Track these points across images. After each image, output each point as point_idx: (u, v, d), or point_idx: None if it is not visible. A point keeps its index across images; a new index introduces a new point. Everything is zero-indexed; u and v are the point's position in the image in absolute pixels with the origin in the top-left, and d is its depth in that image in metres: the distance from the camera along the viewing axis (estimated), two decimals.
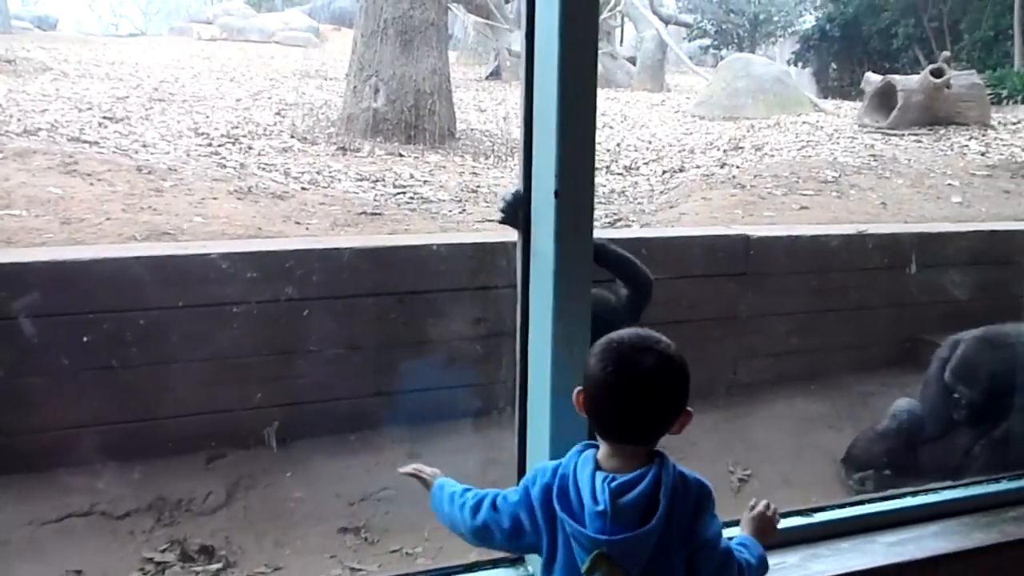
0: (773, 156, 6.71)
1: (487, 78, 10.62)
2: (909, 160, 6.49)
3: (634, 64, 11.86)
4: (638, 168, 6.52)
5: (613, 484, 1.47)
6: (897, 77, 8.17)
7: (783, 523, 2.27)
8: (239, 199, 4.32)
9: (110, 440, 2.93)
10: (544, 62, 1.83)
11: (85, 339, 2.82)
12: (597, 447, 1.56)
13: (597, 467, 1.52)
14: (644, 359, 1.49)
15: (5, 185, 4.01)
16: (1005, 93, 8.99)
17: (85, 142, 5.29)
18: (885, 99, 7.98)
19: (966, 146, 7.28)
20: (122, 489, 2.93)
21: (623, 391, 1.49)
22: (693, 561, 1.54)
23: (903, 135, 7.53)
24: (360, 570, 2.78)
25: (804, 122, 8.41)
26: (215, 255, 2.97)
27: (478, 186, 5.44)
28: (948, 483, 2.65)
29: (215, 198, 4.27)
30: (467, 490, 1.69)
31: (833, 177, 5.78)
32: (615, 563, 1.47)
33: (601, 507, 1.46)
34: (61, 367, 2.89)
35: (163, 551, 2.78)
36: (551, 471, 1.56)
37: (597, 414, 1.53)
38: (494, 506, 1.62)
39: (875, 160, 6.37)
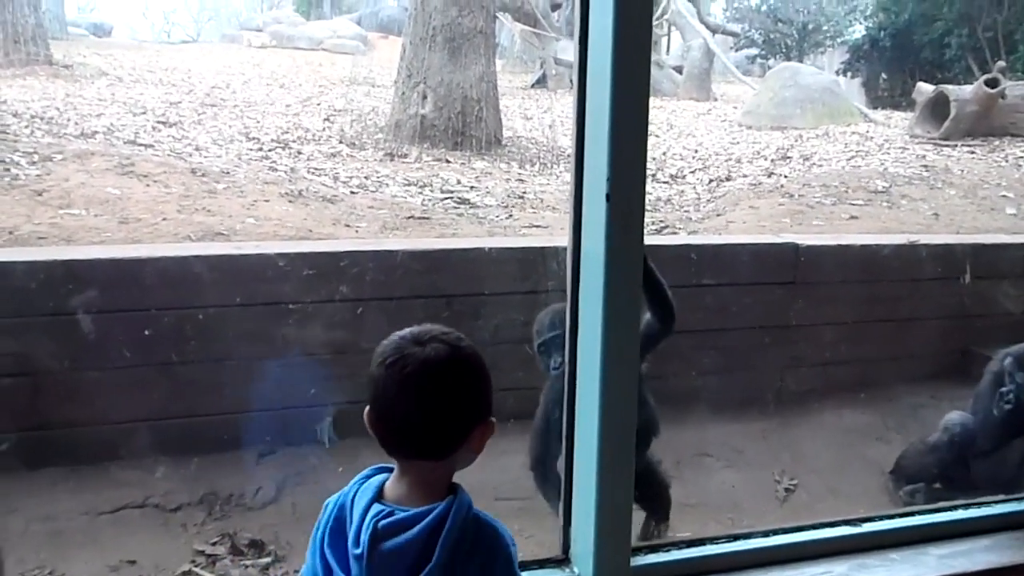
0: (822, 166, 6.63)
1: (532, 86, 10.63)
2: (962, 171, 6.38)
3: (680, 73, 11.79)
4: (684, 176, 6.49)
5: (382, 523, 1.20)
6: (950, 87, 8.02)
7: (831, 532, 2.26)
8: (290, 202, 4.40)
9: (165, 434, 2.99)
10: (597, 65, 1.85)
11: (146, 332, 2.90)
12: (390, 470, 1.30)
13: (379, 496, 1.25)
14: (424, 349, 1.25)
15: (65, 185, 4.13)
16: None
17: (140, 145, 5.41)
18: (937, 109, 7.84)
19: (1021, 157, 7.13)
20: (175, 483, 2.99)
21: (401, 385, 1.23)
22: None
23: (956, 146, 7.39)
24: None
25: (854, 132, 8.29)
26: (272, 254, 3.03)
27: (524, 192, 5.46)
28: (1001, 496, 2.61)
29: (267, 200, 4.35)
30: None
31: (883, 187, 5.71)
32: None
33: (359, 550, 1.19)
34: (119, 362, 2.96)
35: (214, 544, 2.84)
36: (333, 504, 1.28)
37: (376, 422, 1.26)
38: None
39: (927, 171, 6.27)
